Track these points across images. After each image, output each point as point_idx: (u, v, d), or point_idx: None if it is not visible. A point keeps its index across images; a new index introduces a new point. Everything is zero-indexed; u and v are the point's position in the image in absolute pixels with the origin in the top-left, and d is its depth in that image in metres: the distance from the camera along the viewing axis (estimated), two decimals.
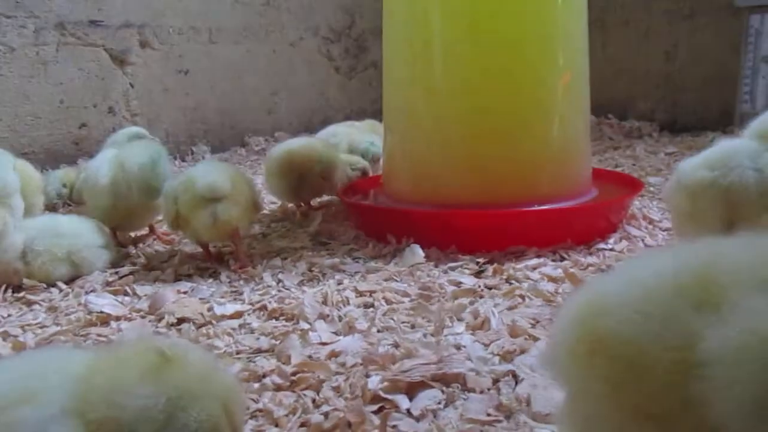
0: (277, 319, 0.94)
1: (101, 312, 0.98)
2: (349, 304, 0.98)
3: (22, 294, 1.09)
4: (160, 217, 1.42)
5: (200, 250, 1.27)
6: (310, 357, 0.79)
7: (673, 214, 0.97)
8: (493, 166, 1.29)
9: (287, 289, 1.06)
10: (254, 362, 0.80)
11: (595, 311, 0.36)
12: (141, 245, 1.36)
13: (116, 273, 1.19)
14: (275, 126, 2.88)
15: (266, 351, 0.83)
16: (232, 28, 2.69)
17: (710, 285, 0.33)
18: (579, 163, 1.38)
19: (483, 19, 1.28)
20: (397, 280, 1.08)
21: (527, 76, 1.29)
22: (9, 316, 1.02)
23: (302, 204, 1.60)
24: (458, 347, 0.79)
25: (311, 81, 3.00)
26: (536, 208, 1.24)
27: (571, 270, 1.00)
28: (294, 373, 0.74)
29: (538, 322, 0.88)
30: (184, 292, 1.06)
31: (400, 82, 1.40)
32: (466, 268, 1.12)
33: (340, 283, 1.07)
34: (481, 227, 1.20)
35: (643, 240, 1.25)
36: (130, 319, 0.97)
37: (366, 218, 1.36)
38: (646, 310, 0.34)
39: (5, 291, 1.10)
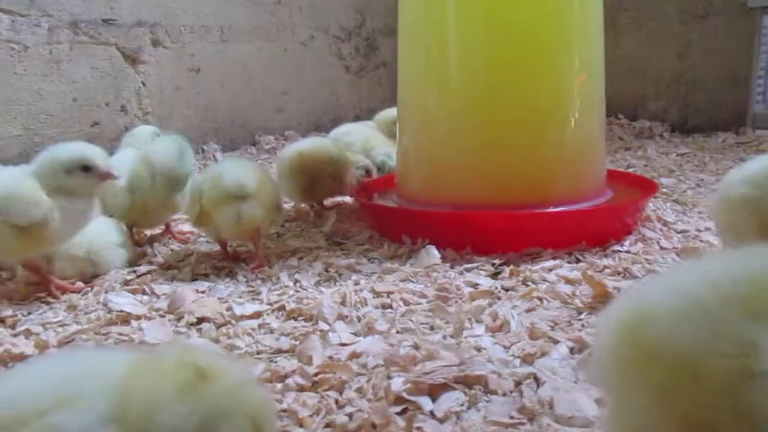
0: (295, 319, 0.95)
1: (121, 311, 0.99)
2: (366, 305, 0.98)
3: (43, 293, 1.10)
4: (175, 216, 1.43)
5: (216, 249, 1.28)
6: (330, 358, 0.80)
7: (717, 229, 0.98)
8: (507, 167, 1.29)
9: (304, 289, 1.07)
10: (275, 362, 0.81)
11: (643, 319, 0.36)
12: (157, 244, 1.37)
13: (134, 272, 1.20)
14: (285, 125, 2.88)
15: (287, 351, 0.84)
16: (244, 27, 2.69)
17: (764, 294, 0.33)
18: (594, 165, 1.38)
19: (499, 20, 1.28)
20: (413, 281, 1.09)
21: (543, 77, 1.29)
22: (29, 314, 1.03)
23: (315, 204, 1.61)
24: (478, 349, 0.80)
25: (321, 80, 3.01)
26: (553, 210, 1.24)
27: (589, 272, 1.00)
28: (316, 374, 0.74)
29: (556, 324, 0.88)
30: (202, 292, 1.07)
31: (414, 83, 1.40)
32: (482, 270, 1.13)
33: (357, 283, 1.08)
34: (498, 228, 1.20)
35: (658, 242, 1.25)
36: (149, 318, 0.98)
37: (381, 219, 1.37)
38: (696, 318, 0.34)
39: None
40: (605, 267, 1.12)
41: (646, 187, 1.44)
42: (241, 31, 2.69)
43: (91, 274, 1.18)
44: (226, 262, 1.22)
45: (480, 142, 1.30)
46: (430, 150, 1.36)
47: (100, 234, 1.21)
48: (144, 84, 2.45)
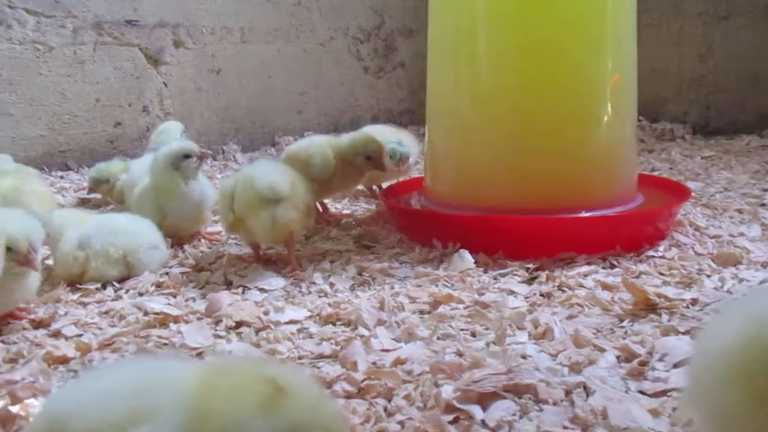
0: (334, 324, 0.95)
1: (159, 314, 0.99)
2: (404, 309, 0.98)
3: (77, 296, 1.11)
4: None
5: (246, 250, 1.28)
6: (374, 364, 0.80)
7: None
8: (538, 170, 1.28)
9: (340, 293, 1.06)
10: (319, 368, 0.81)
11: (761, 332, 0.35)
12: (187, 246, 1.37)
13: (166, 274, 1.20)
14: (304, 126, 2.89)
15: (329, 356, 0.84)
16: (264, 28, 2.70)
17: None
18: (626, 168, 1.36)
19: (529, 23, 1.27)
20: (448, 286, 1.08)
21: (575, 79, 1.28)
22: (66, 314, 1.04)
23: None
24: (524, 357, 0.79)
25: (340, 81, 3.01)
26: (587, 214, 1.23)
27: (629, 279, 0.99)
28: (362, 380, 0.74)
29: (599, 331, 0.87)
30: (236, 294, 1.07)
31: (444, 87, 1.40)
32: (516, 275, 1.12)
33: (392, 287, 1.08)
34: (532, 233, 1.19)
35: (692, 248, 1.24)
36: (187, 321, 0.98)
37: (411, 222, 1.36)
38: None
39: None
40: (641, 273, 1.11)
41: (678, 192, 1.42)
42: (261, 32, 2.69)
43: (125, 276, 1.18)
44: (258, 264, 1.22)
45: (511, 146, 1.30)
46: (461, 154, 1.36)
47: (137, 235, 1.21)
48: (165, 84, 2.47)
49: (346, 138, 1.49)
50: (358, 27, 3.04)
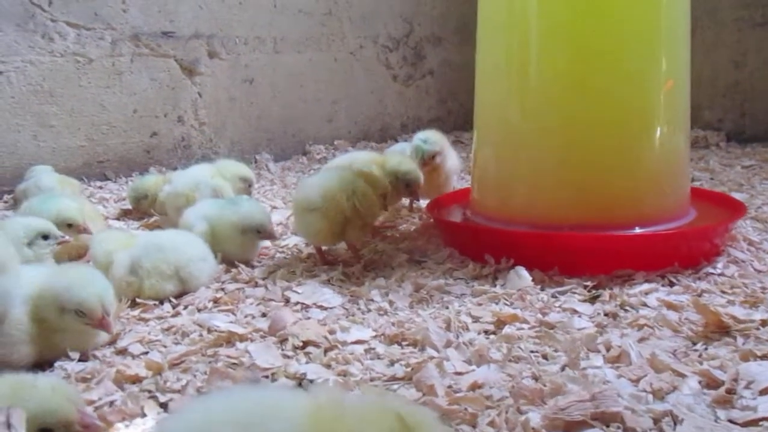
0: (399, 344, 0.95)
1: (223, 331, 1.00)
2: (468, 329, 0.98)
3: (137, 312, 1.12)
4: None
5: (300, 263, 1.31)
6: (450, 388, 0.79)
7: None
8: (590, 184, 1.27)
9: (400, 311, 1.06)
10: (393, 390, 0.80)
11: None
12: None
13: (222, 290, 1.21)
14: (335, 134, 2.90)
15: (402, 379, 0.83)
16: (296, 38, 2.71)
17: None
18: (680, 182, 1.35)
19: (582, 32, 1.25)
20: (508, 304, 1.07)
21: (629, 89, 1.26)
22: (129, 331, 1.05)
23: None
24: (603, 382, 0.78)
25: (370, 89, 3.01)
26: (644, 230, 1.22)
27: (702, 302, 0.97)
28: (445, 406, 0.74)
29: (674, 354, 0.86)
30: (297, 312, 1.07)
31: (494, 97, 1.38)
32: (575, 293, 1.11)
33: (447, 306, 1.07)
34: (590, 250, 1.18)
35: (751, 264, 1.22)
36: (252, 340, 0.98)
37: (462, 237, 1.36)
38: None
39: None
40: (703, 291, 1.10)
41: (730, 206, 1.40)
42: (293, 42, 2.71)
43: (181, 291, 1.19)
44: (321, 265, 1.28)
45: (563, 159, 1.28)
46: (510, 167, 1.35)
47: (184, 249, 1.22)
48: (200, 95, 2.49)
49: (392, 161, 1.50)
50: (388, 35, 3.05)
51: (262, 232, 1.33)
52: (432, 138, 1.62)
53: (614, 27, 1.25)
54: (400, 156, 1.52)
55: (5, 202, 2.00)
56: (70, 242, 1.24)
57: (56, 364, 0.92)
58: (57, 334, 0.92)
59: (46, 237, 1.20)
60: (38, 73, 2.10)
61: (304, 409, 0.47)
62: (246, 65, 2.59)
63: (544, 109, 1.29)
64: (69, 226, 1.32)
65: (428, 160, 1.57)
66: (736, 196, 1.80)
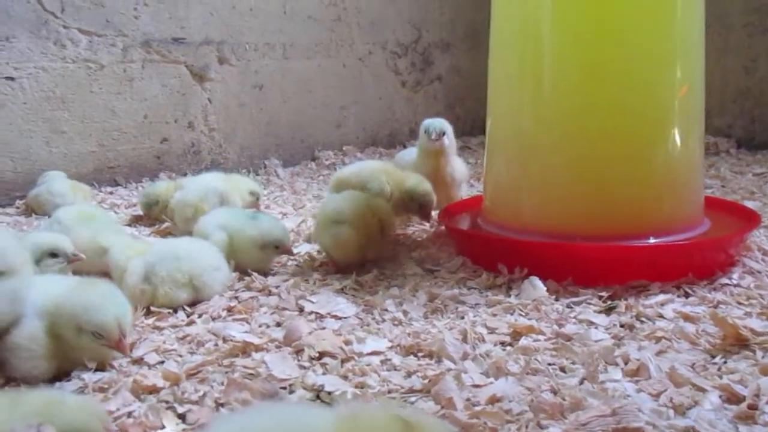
0: (415, 355, 0.94)
1: (238, 341, 1.00)
2: (484, 341, 0.97)
3: (151, 320, 1.12)
4: None
5: (312, 272, 1.32)
6: (469, 401, 0.79)
7: None
8: (604, 194, 1.27)
9: (415, 321, 1.06)
10: (412, 403, 0.80)
11: None
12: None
13: (236, 298, 1.21)
14: (343, 140, 2.90)
15: (420, 391, 0.83)
16: (305, 44, 2.72)
17: None
18: (694, 191, 1.34)
19: (595, 42, 1.25)
20: (523, 315, 1.07)
21: (643, 99, 1.25)
22: (144, 339, 1.05)
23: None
24: (624, 397, 0.78)
25: (378, 95, 3.02)
26: (658, 241, 1.22)
27: (721, 314, 0.96)
28: (465, 419, 0.74)
29: (693, 368, 0.86)
30: (311, 322, 1.07)
31: (507, 107, 1.39)
32: (590, 303, 1.11)
33: (462, 317, 1.07)
34: (605, 260, 1.17)
35: (767, 275, 1.21)
36: (268, 350, 0.98)
37: (475, 246, 1.35)
38: None
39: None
40: (719, 302, 1.09)
41: (744, 215, 1.40)
42: (302, 48, 2.72)
43: (194, 299, 1.19)
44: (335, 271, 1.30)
45: (576, 169, 1.28)
46: (525, 177, 1.34)
47: (199, 258, 1.22)
48: (210, 101, 2.50)
49: (411, 181, 1.51)
50: (396, 41, 3.05)
51: (280, 247, 1.34)
52: (442, 121, 1.62)
53: (628, 36, 1.25)
54: (418, 177, 1.54)
55: (17, 207, 2.02)
56: (83, 260, 1.23)
57: (73, 374, 0.92)
58: (74, 350, 0.92)
59: (54, 255, 1.20)
60: (50, 80, 2.12)
61: (328, 426, 0.48)
62: (256, 71, 2.60)
63: (557, 118, 1.29)
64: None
65: (438, 137, 1.57)
66: (749, 204, 1.80)
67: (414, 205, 1.50)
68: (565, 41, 1.28)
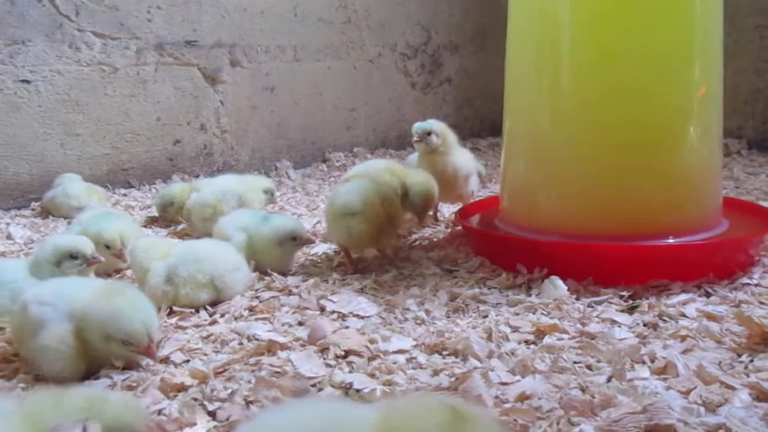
0: (440, 353, 0.95)
1: (263, 340, 1.00)
2: (509, 339, 0.98)
3: (174, 320, 1.13)
4: None
5: (331, 272, 1.32)
6: (497, 398, 0.80)
7: None
8: (623, 191, 1.26)
9: (438, 320, 1.07)
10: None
11: None
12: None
13: (257, 298, 1.22)
14: (354, 141, 2.91)
15: (448, 389, 0.84)
16: (315, 46, 2.73)
17: None
18: (713, 191, 1.34)
19: (613, 35, 1.24)
20: (545, 314, 1.07)
21: (661, 93, 1.25)
22: (168, 338, 1.05)
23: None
24: (653, 394, 0.78)
25: (388, 96, 3.03)
26: (678, 240, 1.22)
27: (746, 313, 0.97)
28: (496, 417, 0.74)
29: (720, 366, 0.86)
30: (335, 321, 1.08)
31: (524, 102, 1.38)
32: (612, 303, 1.11)
33: (485, 316, 1.07)
34: (626, 260, 1.18)
35: None
36: (293, 349, 0.99)
37: (494, 246, 1.36)
38: None
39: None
40: (741, 302, 1.09)
41: (761, 215, 1.40)
42: (312, 50, 2.73)
43: (215, 300, 1.20)
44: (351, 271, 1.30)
45: (594, 165, 1.28)
46: (543, 177, 1.35)
47: (220, 259, 1.23)
48: (222, 103, 2.51)
49: (412, 179, 1.52)
50: (406, 43, 3.06)
51: (297, 239, 1.34)
52: (429, 122, 1.65)
53: (648, 33, 1.24)
54: (425, 175, 1.55)
55: (33, 209, 2.03)
56: (101, 261, 1.24)
57: (101, 373, 0.93)
58: (102, 354, 0.93)
59: (74, 257, 1.21)
60: (65, 83, 2.13)
61: (370, 422, 0.48)
62: (267, 73, 2.61)
63: (575, 117, 1.29)
64: (107, 247, 1.35)
65: (420, 138, 1.60)
66: (765, 204, 1.80)
67: (418, 206, 1.50)
68: (584, 39, 1.28)
